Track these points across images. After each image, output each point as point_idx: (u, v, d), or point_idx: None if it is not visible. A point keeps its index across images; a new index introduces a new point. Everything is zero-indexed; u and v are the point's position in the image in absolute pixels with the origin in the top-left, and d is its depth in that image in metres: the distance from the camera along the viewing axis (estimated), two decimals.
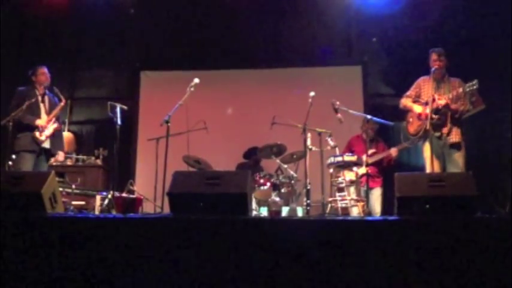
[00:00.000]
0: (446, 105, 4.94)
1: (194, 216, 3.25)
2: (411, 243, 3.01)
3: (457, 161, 4.96)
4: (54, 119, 5.66)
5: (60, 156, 5.91)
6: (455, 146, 5.00)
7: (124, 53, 8.07)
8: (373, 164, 6.02)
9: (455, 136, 5.01)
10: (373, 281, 2.95)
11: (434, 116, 4.90)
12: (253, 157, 7.03)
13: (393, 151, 6.09)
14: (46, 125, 5.56)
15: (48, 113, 5.68)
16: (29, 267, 3.10)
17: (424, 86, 5.25)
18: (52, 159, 5.96)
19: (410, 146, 5.83)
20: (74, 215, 3.90)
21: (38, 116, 5.57)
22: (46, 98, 5.76)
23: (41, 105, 5.68)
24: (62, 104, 5.77)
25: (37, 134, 5.48)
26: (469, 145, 5.21)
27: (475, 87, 4.75)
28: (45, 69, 5.76)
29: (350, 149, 6.20)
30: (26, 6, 7.31)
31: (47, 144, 5.60)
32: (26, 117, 5.47)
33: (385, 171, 6.19)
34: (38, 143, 5.48)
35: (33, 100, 5.51)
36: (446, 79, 5.17)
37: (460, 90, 4.88)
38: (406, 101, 5.34)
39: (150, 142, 5.91)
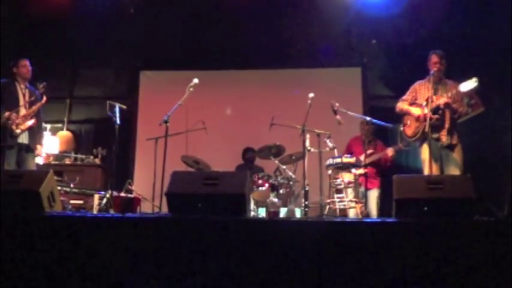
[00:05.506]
0: (447, 104, 4.92)
1: (192, 216, 3.26)
2: (409, 246, 3.01)
3: (456, 160, 4.96)
4: (32, 114, 5.53)
5: (39, 150, 5.74)
6: (453, 147, 5.00)
7: (124, 52, 8.07)
8: (371, 165, 6.02)
9: (452, 138, 5.01)
10: (370, 283, 2.95)
11: (433, 116, 4.88)
12: (246, 156, 7.07)
13: (389, 151, 6.09)
14: (21, 120, 5.42)
15: (28, 107, 5.55)
16: (27, 265, 3.10)
17: (420, 89, 5.24)
18: (35, 153, 5.78)
19: (406, 148, 5.83)
20: (72, 214, 3.90)
21: (16, 111, 5.42)
22: (27, 91, 5.65)
23: (21, 98, 5.56)
24: (43, 101, 5.60)
25: (13, 126, 5.35)
26: (468, 147, 5.21)
27: (475, 84, 4.69)
28: (26, 62, 5.67)
29: (349, 150, 6.20)
30: (26, 6, 7.30)
31: (25, 140, 5.49)
32: (2, 109, 5.36)
33: (383, 173, 6.19)
34: (13, 136, 5.35)
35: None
36: (443, 81, 5.16)
37: (460, 89, 4.81)
38: (402, 105, 5.32)
39: (148, 142, 5.91)
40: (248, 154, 7.08)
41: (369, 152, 5.96)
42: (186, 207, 3.34)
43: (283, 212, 5.44)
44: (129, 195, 5.80)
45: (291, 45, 7.88)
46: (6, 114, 5.36)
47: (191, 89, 5.31)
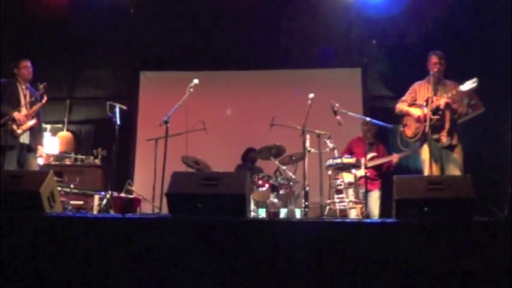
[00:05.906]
0: (448, 104, 4.92)
1: (192, 217, 3.25)
2: (409, 246, 3.01)
3: (456, 160, 4.95)
4: (33, 115, 5.53)
5: (40, 150, 5.74)
6: (453, 148, 5.00)
7: (124, 53, 8.08)
8: (372, 167, 6.00)
9: (453, 138, 5.01)
10: (370, 284, 2.95)
11: (433, 116, 4.88)
12: (248, 157, 7.06)
13: (395, 157, 6.03)
14: (24, 119, 5.42)
15: (28, 107, 5.55)
16: (27, 266, 3.10)
17: (420, 90, 5.23)
18: (37, 154, 5.77)
19: (410, 154, 5.81)
20: (72, 215, 3.90)
21: (18, 110, 5.42)
22: (28, 92, 5.65)
23: (22, 99, 5.57)
24: (44, 101, 5.61)
25: (14, 127, 5.34)
26: (468, 147, 5.20)
27: (475, 84, 4.70)
28: (28, 63, 5.66)
29: (350, 150, 6.18)
30: (26, 6, 7.31)
31: (26, 140, 5.49)
32: (3, 108, 5.37)
33: (383, 175, 6.18)
34: (14, 136, 5.35)
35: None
36: (442, 82, 5.16)
37: (460, 89, 4.82)
38: (401, 106, 5.32)
39: (148, 142, 5.90)
40: (251, 154, 7.05)
41: (371, 155, 5.94)
42: (186, 208, 3.34)
43: (283, 212, 5.43)
44: (129, 196, 5.80)
45: (291, 45, 7.88)
46: (11, 112, 5.35)
47: (191, 90, 5.30)
